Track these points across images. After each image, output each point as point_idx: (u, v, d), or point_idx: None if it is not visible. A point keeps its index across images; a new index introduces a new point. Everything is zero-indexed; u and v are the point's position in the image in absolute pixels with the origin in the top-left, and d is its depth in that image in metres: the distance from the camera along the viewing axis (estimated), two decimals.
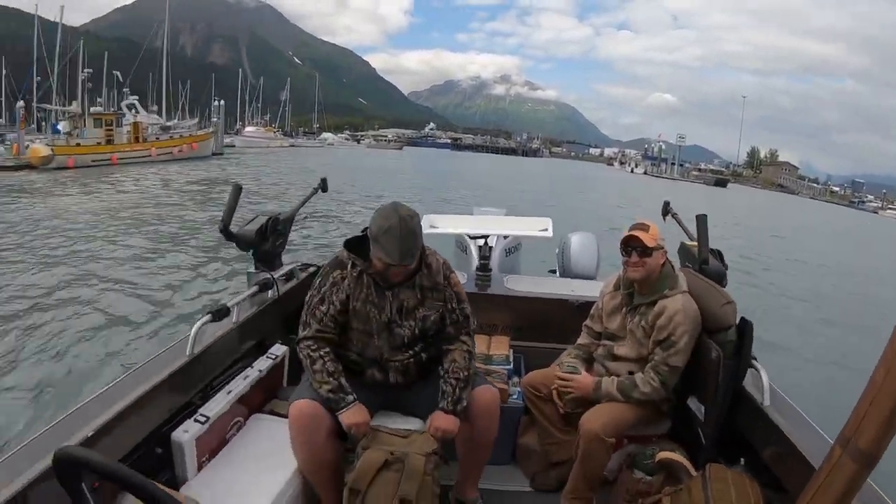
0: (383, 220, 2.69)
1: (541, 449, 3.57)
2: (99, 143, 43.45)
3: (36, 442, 2.14)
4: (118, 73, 59.72)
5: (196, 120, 69.50)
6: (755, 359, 3.02)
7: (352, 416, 2.75)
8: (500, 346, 4.17)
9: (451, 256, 6.19)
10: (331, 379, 2.77)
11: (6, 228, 16.42)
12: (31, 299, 9.47)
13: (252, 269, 3.91)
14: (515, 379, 3.93)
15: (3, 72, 76.93)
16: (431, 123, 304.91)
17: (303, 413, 2.68)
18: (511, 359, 4.08)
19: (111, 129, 44.26)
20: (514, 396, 3.76)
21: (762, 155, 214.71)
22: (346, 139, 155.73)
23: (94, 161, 41.39)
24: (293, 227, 4.33)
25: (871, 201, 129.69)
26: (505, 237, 6.48)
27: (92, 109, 46.54)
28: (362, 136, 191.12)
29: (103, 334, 8.06)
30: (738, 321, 3.06)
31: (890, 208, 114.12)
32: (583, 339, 3.68)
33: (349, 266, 2.91)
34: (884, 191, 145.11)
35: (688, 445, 3.29)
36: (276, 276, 3.85)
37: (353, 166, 59.16)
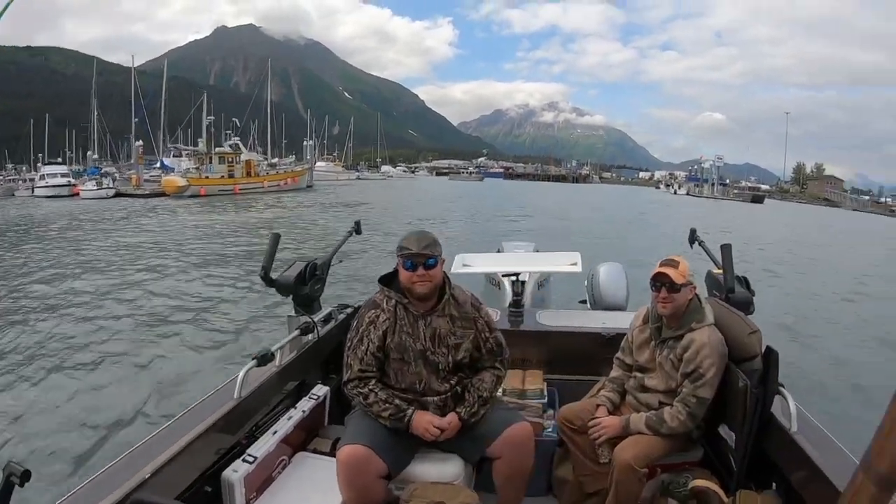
0: (405, 234, 3.12)
1: (575, 480, 3.59)
2: (223, 177, 54.22)
3: (98, 481, 2.31)
4: (236, 119, 69.65)
5: (293, 157, 78.23)
6: (782, 385, 3.01)
7: (418, 422, 2.99)
8: (534, 381, 4.22)
9: (481, 291, 6.42)
10: (387, 405, 2.99)
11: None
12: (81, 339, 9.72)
13: (292, 314, 4.01)
14: (550, 412, 4.02)
15: (96, 113, 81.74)
16: (485, 151, 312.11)
17: (352, 457, 2.80)
18: (545, 392, 4.14)
19: (232, 165, 55.66)
20: (549, 430, 3.85)
21: (808, 170, 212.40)
22: (404, 171, 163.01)
23: (220, 191, 51.31)
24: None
25: None
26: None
27: (216, 149, 55.84)
28: (416, 167, 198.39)
29: (152, 375, 8.18)
30: (763, 350, 3.08)
31: None
32: (615, 371, 3.74)
33: (384, 302, 3.12)
34: None
35: (720, 472, 3.35)
36: (315, 320, 3.96)
37: (450, 195, 67.41)
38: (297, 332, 3.79)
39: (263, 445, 3.01)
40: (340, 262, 4.77)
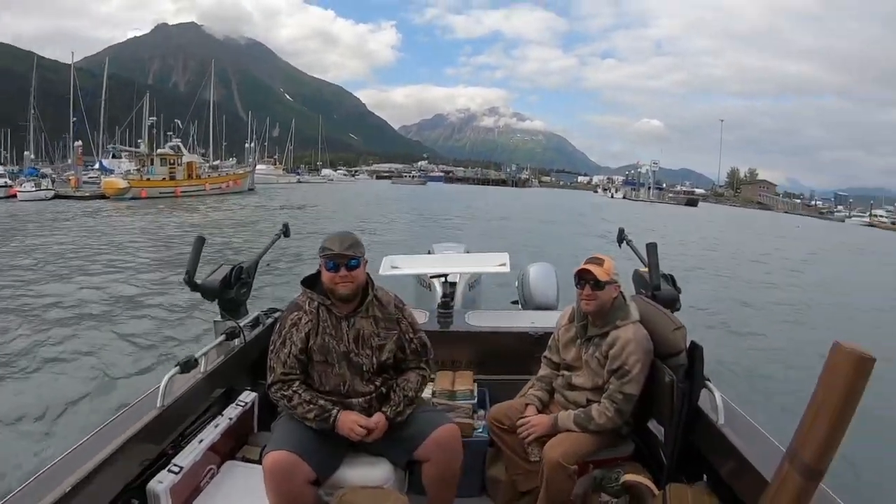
0: (327, 235, 3.09)
1: (508, 479, 3.59)
2: (164, 179, 52.72)
3: (16, 499, 2.20)
4: (178, 121, 68.79)
5: (235, 160, 77.40)
6: (708, 379, 3.08)
7: (344, 422, 2.95)
8: (464, 382, 4.18)
9: (412, 293, 6.56)
10: (311, 405, 2.95)
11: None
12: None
13: (218, 318, 3.92)
14: (481, 412, 3.99)
15: (33, 111, 78.14)
16: (425, 156, 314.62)
17: (278, 463, 2.74)
18: (475, 393, 4.11)
19: (174, 167, 54.14)
20: (480, 430, 3.82)
21: (742, 175, 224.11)
22: (344, 175, 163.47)
23: (161, 193, 50.07)
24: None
25: (839, 212, 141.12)
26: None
27: (158, 151, 55.34)
28: (357, 171, 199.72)
29: (72, 383, 7.74)
30: (688, 345, 3.12)
31: (855, 216, 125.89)
32: (543, 370, 3.75)
33: (307, 304, 3.10)
34: (850, 200, 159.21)
35: (651, 466, 3.38)
36: (242, 325, 3.88)
37: (394, 197, 71.88)
38: (222, 338, 3.72)
39: (190, 455, 2.96)
40: (268, 265, 4.69)
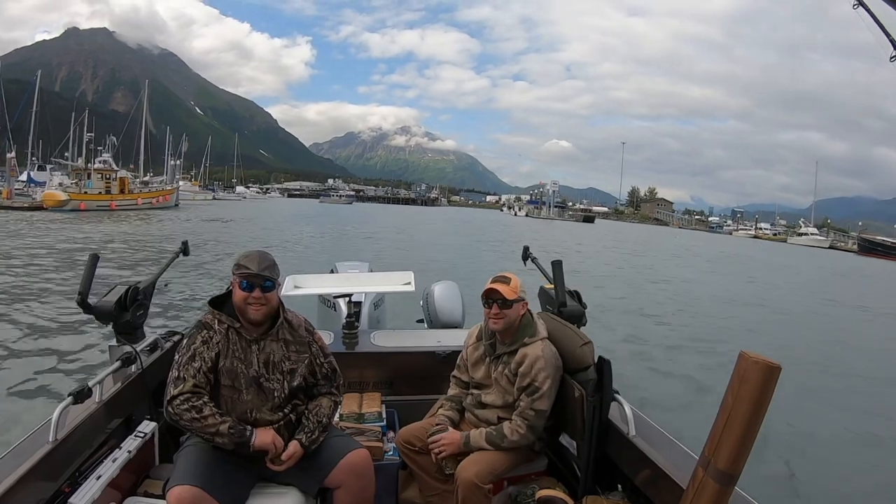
0: (243, 252, 2.94)
1: (423, 502, 3.51)
2: (100, 193, 54.16)
3: None
4: (115, 137, 70.51)
5: (164, 177, 79.01)
6: (618, 392, 3.07)
7: (262, 438, 2.79)
8: (372, 404, 4.06)
9: (316, 313, 6.34)
10: (224, 419, 2.73)
11: None
12: None
13: (114, 343, 3.66)
14: (391, 434, 3.87)
15: None
16: (337, 177, 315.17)
17: (182, 499, 2.55)
18: (384, 415, 3.98)
19: (109, 182, 55.69)
20: (390, 452, 3.69)
21: (642, 193, 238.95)
22: (257, 192, 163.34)
23: (98, 206, 51.35)
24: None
25: (728, 225, 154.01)
26: None
27: (94, 165, 56.53)
28: (268, 188, 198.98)
29: None
30: (596, 360, 3.12)
31: (742, 229, 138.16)
32: (452, 389, 3.68)
33: (216, 324, 2.90)
34: (738, 214, 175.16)
35: (566, 479, 3.38)
36: (138, 349, 3.61)
37: (329, 213, 74.98)
38: (117, 364, 3.44)
39: (88, 492, 2.67)
40: (166, 285, 4.30)
